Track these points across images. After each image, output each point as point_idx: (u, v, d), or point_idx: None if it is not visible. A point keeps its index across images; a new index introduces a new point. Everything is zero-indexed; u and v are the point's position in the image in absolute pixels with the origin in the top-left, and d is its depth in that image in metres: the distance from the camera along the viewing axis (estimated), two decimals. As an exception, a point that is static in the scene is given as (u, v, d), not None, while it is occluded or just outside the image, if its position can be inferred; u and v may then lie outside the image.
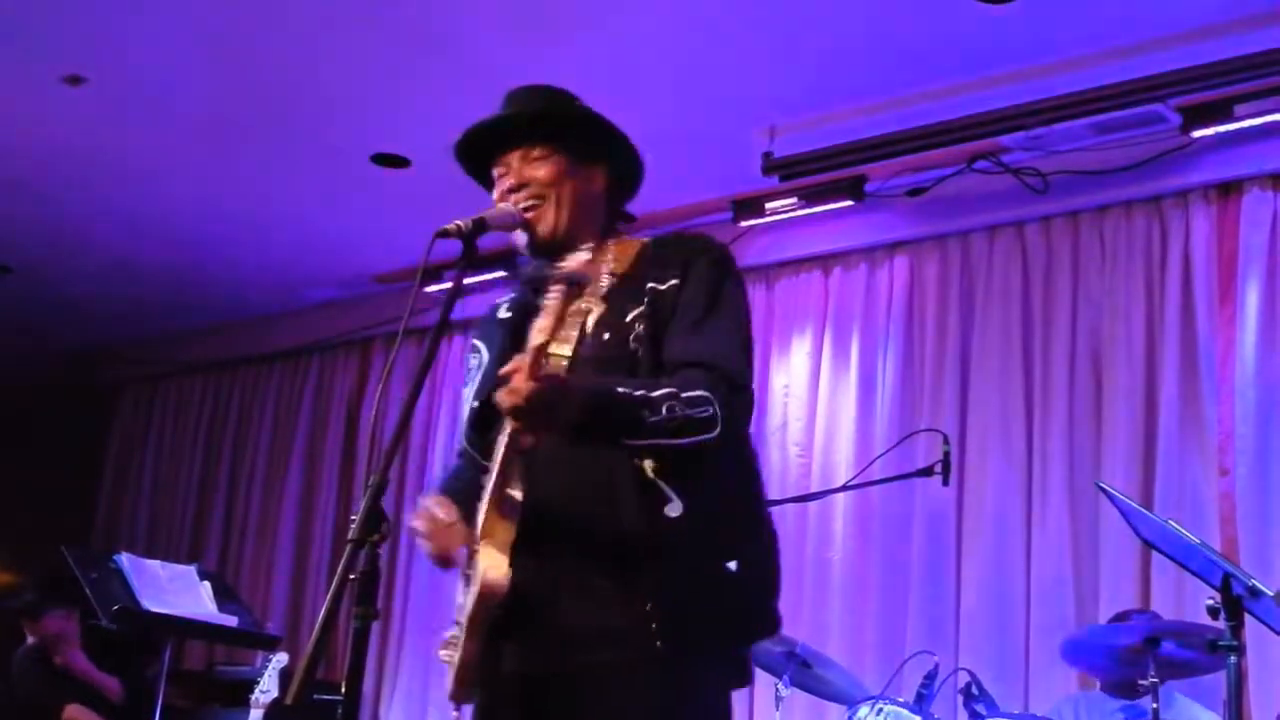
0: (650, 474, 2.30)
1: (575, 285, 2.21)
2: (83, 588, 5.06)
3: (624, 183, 2.65)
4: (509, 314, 2.66)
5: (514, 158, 2.57)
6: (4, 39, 5.44)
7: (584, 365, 2.35)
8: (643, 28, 5.04)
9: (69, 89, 5.75)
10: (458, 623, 2.38)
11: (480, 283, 7.05)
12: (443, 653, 2.42)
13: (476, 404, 2.57)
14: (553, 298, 2.22)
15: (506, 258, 7.40)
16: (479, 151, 2.64)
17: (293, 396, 8.49)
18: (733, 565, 2.38)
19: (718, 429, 2.29)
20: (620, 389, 2.27)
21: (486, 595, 2.27)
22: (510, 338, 2.54)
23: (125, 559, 5.18)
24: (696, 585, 2.34)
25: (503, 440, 2.32)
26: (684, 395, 2.26)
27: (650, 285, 2.45)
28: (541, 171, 2.54)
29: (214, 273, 7.89)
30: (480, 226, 2.43)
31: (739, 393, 2.36)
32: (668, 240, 2.58)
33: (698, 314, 2.41)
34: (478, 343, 2.69)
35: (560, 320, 2.22)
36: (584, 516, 2.34)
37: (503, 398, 2.18)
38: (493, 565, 2.28)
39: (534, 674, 2.37)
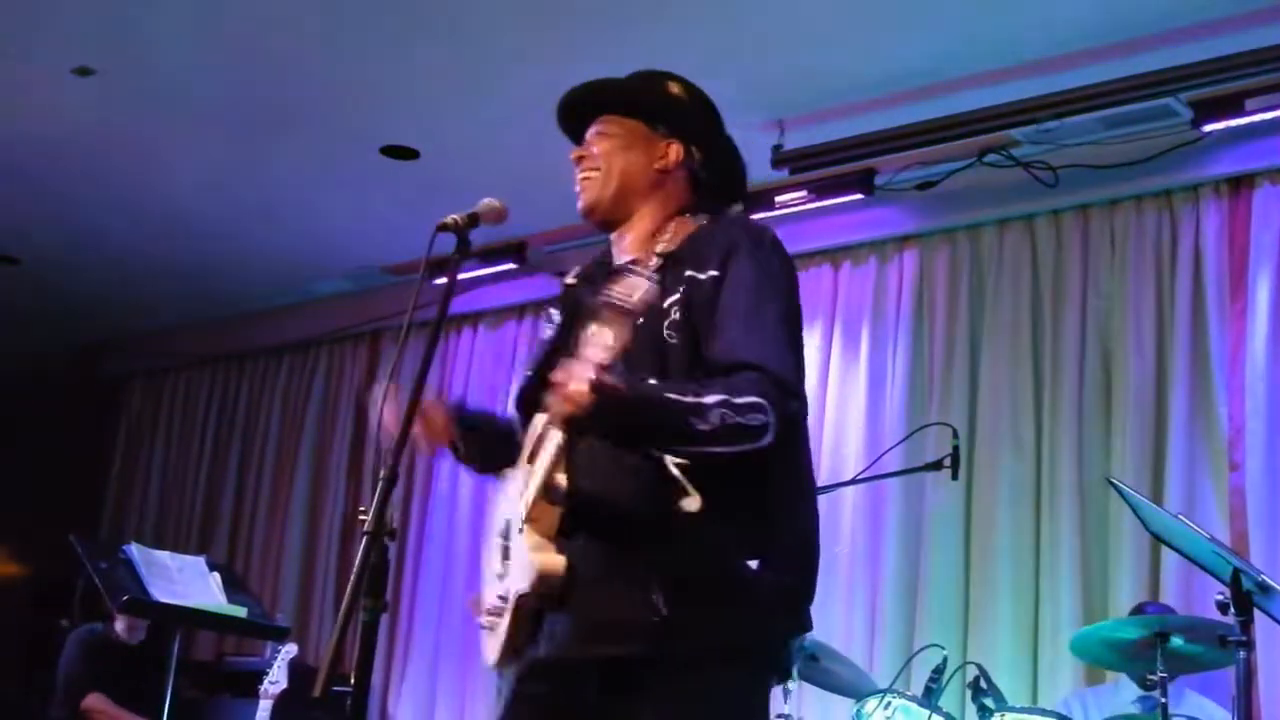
0: (672, 468, 2.28)
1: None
2: (91, 578, 5.07)
3: (710, 160, 2.63)
4: (574, 282, 2.66)
5: (590, 130, 2.63)
6: (13, 30, 5.45)
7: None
8: (653, 20, 5.03)
9: (78, 80, 5.75)
10: (501, 596, 2.40)
11: (488, 276, 7.11)
12: (485, 619, 2.45)
13: (529, 374, 2.59)
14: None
15: (516, 250, 7.44)
16: (579, 114, 2.68)
17: (301, 388, 8.50)
18: (754, 564, 2.34)
19: (769, 437, 2.25)
20: (671, 394, 2.23)
21: (543, 581, 2.28)
22: (569, 314, 2.58)
23: (134, 549, 5.18)
24: (710, 583, 2.30)
25: (543, 422, 2.35)
26: (736, 401, 2.22)
27: (689, 273, 2.41)
28: (600, 145, 2.59)
29: (223, 264, 7.90)
30: (472, 221, 2.48)
31: (792, 398, 2.32)
32: (715, 225, 2.54)
33: (743, 311, 2.35)
34: (552, 310, 2.69)
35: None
36: (608, 507, 2.32)
37: (557, 404, 2.18)
38: (543, 551, 2.30)
39: (562, 659, 2.35)
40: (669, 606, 2.25)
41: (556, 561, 2.29)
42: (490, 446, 2.62)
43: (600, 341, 2.13)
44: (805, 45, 5.16)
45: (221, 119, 6.10)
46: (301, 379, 8.52)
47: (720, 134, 2.65)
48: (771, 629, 2.38)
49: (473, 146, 6.09)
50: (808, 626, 2.45)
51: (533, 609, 2.34)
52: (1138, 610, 4.71)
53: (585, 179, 2.59)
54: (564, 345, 2.47)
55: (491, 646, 2.42)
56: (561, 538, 2.32)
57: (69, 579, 7.16)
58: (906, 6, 4.88)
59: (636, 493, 2.30)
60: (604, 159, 2.57)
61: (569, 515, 2.32)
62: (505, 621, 2.37)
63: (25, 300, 8.59)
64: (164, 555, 5.36)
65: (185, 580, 5.21)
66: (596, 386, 2.12)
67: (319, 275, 7.95)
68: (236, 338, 8.78)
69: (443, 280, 2.46)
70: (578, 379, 2.13)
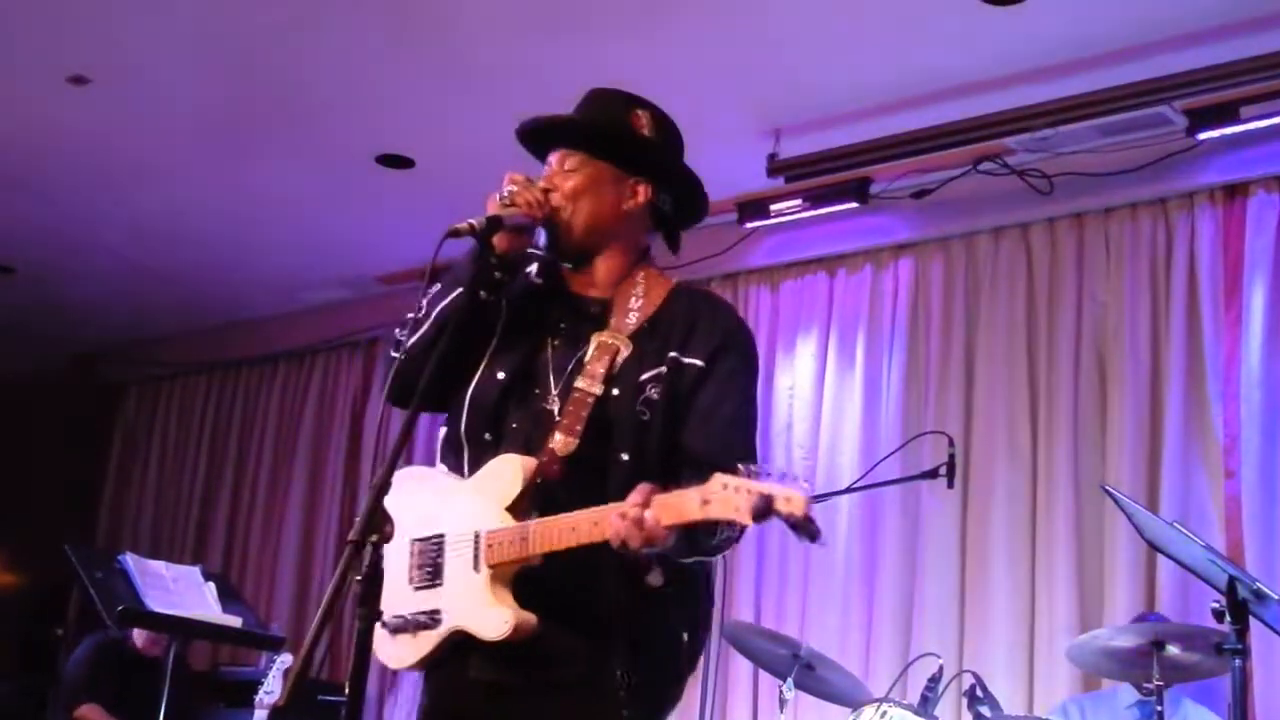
0: None
1: None
2: (87, 588, 5.05)
3: (676, 203, 2.62)
4: (540, 283, 2.59)
5: (555, 158, 2.56)
6: (8, 39, 5.45)
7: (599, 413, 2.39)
8: (649, 29, 5.04)
9: (73, 89, 5.75)
10: (426, 613, 2.41)
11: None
12: (392, 620, 2.43)
13: (501, 375, 2.50)
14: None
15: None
16: (542, 138, 2.62)
17: (297, 397, 8.49)
18: (686, 635, 2.48)
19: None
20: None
21: (517, 635, 2.32)
22: (533, 320, 2.53)
23: (129, 559, 5.17)
24: (664, 653, 2.43)
25: (510, 462, 2.39)
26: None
27: (673, 354, 2.45)
28: (570, 182, 2.52)
29: (218, 273, 7.89)
30: (495, 225, 2.41)
31: None
32: (699, 301, 2.57)
33: (731, 415, 2.43)
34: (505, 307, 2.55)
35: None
36: (571, 569, 2.31)
37: (633, 535, 2.18)
38: (508, 604, 2.33)
39: (500, 683, 2.40)
40: (630, 677, 2.35)
41: (528, 619, 2.32)
42: (448, 365, 2.46)
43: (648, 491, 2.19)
44: (801, 54, 5.16)
45: (216, 128, 6.10)
46: (297, 387, 8.51)
47: (683, 166, 2.63)
48: (681, 688, 2.51)
49: (468, 156, 6.08)
50: None
51: (458, 640, 2.38)
52: (1139, 620, 4.69)
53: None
54: (532, 357, 2.49)
55: (399, 651, 2.47)
56: (526, 587, 2.34)
57: (65, 587, 7.13)
58: (901, 16, 4.89)
59: (611, 562, 2.30)
60: (571, 198, 2.51)
61: (541, 573, 2.33)
62: (431, 640, 2.41)
63: (20, 309, 8.58)
64: (159, 565, 5.35)
65: (180, 590, 5.20)
66: (675, 530, 2.18)
67: (314, 284, 7.94)
68: (232, 346, 8.77)
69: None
70: (657, 515, 2.16)
